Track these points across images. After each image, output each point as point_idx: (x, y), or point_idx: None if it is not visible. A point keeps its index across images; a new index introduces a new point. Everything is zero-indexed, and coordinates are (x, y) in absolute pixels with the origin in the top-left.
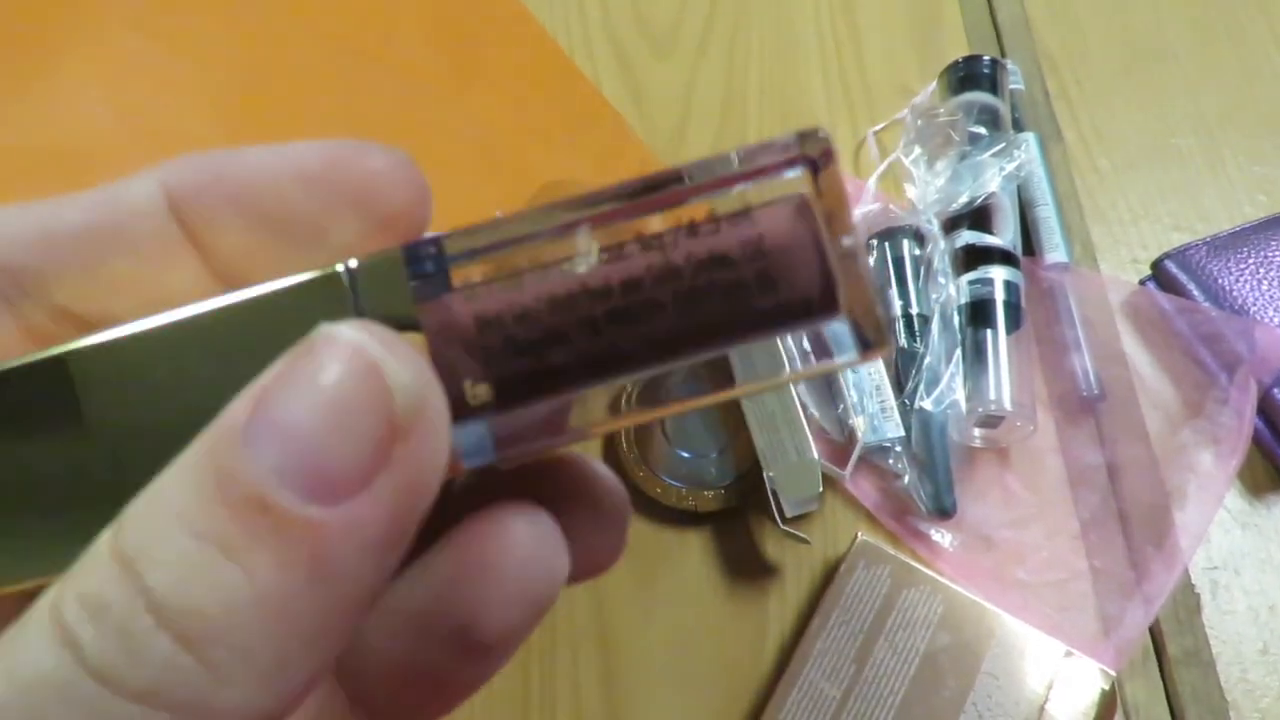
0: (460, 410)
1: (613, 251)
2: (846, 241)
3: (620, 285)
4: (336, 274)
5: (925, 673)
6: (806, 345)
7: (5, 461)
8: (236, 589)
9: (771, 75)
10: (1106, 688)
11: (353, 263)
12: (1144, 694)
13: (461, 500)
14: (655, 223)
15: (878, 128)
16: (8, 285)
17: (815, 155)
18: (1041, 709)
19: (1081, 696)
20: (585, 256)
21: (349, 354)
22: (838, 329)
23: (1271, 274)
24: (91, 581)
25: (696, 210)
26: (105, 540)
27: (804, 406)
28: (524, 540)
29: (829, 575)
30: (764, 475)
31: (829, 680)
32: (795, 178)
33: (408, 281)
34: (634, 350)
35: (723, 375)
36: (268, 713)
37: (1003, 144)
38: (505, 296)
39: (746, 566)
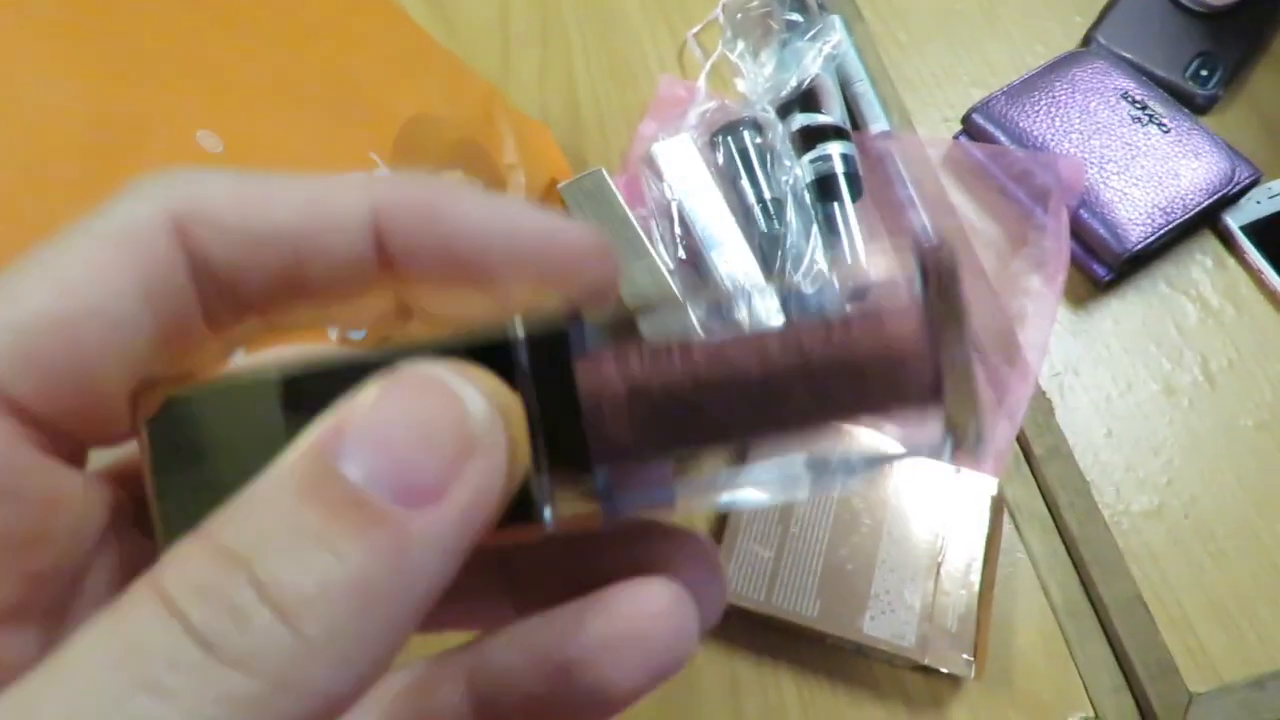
0: (604, 456)
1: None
2: (961, 356)
3: (761, 369)
4: (509, 342)
5: (843, 517)
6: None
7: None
8: (331, 570)
9: None
10: (995, 493)
11: (520, 332)
12: (1022, 492)
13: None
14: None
15: (695, 29)
16: (209, 282)
17: (934, 273)
18: (945, 522)
19: (976, 505)
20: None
21: (433, 384)
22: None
23: (1060, 110)
24: (191, 569)
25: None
26: (193, 540)
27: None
28: (664, 608)
29: None
30: None
31: (761, 544)
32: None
33: (569, 353)
34: (753, 424)
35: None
36: (340, 695)
37: (817, 27)
38: (655, 367)
39: None
